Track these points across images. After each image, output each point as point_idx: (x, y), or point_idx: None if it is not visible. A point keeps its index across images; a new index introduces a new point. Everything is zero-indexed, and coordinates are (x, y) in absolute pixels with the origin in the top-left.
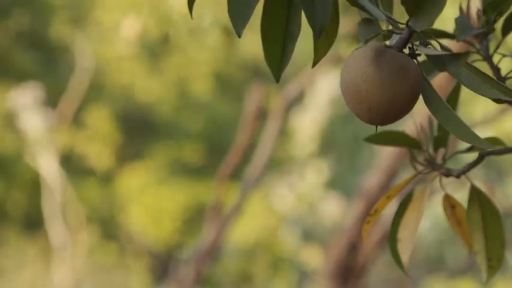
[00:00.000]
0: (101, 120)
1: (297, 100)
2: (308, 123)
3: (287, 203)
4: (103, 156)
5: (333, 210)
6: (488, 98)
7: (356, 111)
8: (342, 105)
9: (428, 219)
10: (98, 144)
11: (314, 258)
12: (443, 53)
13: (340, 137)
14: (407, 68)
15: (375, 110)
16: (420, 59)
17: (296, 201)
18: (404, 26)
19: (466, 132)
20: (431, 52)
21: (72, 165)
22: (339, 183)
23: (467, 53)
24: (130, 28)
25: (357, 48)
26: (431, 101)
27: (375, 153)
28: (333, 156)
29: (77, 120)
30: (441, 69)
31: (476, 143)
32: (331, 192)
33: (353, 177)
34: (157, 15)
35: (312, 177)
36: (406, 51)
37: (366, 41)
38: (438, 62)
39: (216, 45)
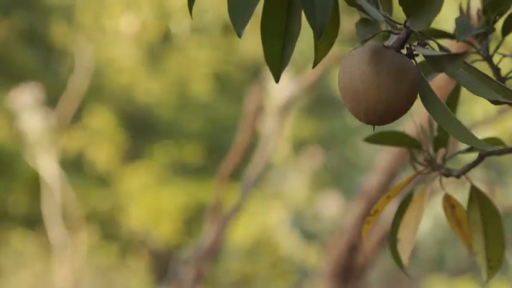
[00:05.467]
0: (101, 121)
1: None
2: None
3: (287, 203)
4: (103, 156)
5: (333, 210)
6: (486, 99)
7: (353, 111)
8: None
9: (428, 219)
10: (98, 144)
11: (314, 258)
12: (441, 53)
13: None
14: (405, 68)
15: (373, 110)
16: (420, 59)
17: (296, 201)
18: (402, 26)
19: (464, 134)
20: (428, 52)
21: (72, 165)
22: (339, 183)
23: (464, 53)
24: (128, 26)
25: (355, 48)
26: (429, 101)
27: (375, 153)
28: (333, 156)
29: (77, 120)
30: (439, 70)
31: (474, 144)
32: (331, 192)
33: (353, 177)
34: (157, 12)
35: (310, 176)
36: (404, 51)
37: (364, 41)
38: (436, 63)
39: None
